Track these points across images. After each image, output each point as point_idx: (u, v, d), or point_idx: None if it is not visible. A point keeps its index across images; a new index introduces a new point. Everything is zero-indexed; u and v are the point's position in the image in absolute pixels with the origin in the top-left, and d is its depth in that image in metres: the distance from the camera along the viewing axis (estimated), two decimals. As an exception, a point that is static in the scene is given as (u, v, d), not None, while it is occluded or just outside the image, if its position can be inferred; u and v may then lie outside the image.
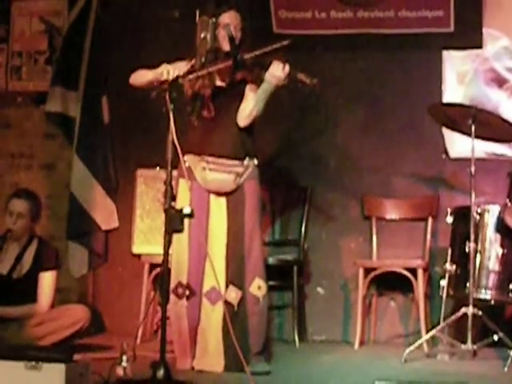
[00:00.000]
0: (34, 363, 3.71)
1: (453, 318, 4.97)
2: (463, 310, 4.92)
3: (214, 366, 4.64)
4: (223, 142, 4.71)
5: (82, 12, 6.10)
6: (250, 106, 4.69)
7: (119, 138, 6.21)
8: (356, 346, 5.56)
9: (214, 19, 4.67)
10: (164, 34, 6.21)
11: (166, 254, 4.08)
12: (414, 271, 5.45)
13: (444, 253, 5.23)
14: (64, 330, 5.05)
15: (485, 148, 5.59)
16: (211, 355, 4.67)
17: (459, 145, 5.72)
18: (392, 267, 5.53)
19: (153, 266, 5.78)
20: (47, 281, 5.19)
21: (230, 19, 4.72)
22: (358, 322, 5.60)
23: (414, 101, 5.90)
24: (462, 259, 5.02)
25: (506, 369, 4.69)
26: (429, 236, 5.76)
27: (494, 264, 5.00)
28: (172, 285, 4.69)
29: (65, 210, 6.08)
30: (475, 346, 4.90)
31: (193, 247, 4.69)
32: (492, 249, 5.02)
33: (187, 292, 4.68)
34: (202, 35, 4.64)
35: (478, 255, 5.01)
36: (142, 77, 4.70)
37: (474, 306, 4.90)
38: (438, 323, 5.08)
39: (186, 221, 4.16)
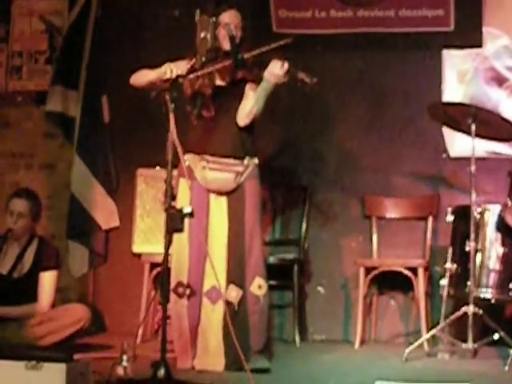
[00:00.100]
0: (34, 363, 3.70)
1: (453, 317, 4.97)
2: (464, 309, 4.91)
3: (214, 366, 4.64)
4: (223, 142, 4.70)
5: (82, 12, 6.12)
6: (249, 105, 4.69)
7: (119, 138, 6.22)
8: (356, 345, 5.55)
9: (214, 18, 4.66)
10: (164, 33, 6.20)
11: (167, 253, 4.07)
12: (414, 270, 5.45)
13: (444, 252, 5.21)
14: (64, 329, 5.05)
15: (485, 147, 5.58)
16: (212, 355, 4.67)
17: (459, 144, 5.72)
18: (392, 266, 5.53)
19: (153, 266, 5.76)
20: (47, 280, 5.19)
21: (230, 18, 4.71)
22: (359, 322, 5.59)
23: (414, 100, 5.90)
24: (463, 258, 5.02)
25: (506, 368, 4.69)
26: (429, 235, 5.76)
27: (494, 263, 5.00)
28: (172, 284, 4.68)
29: (65, 210, 6.09)
30: (476, 345, 4.89)
31: (193, 246, 4.68)
32: (492, 248, 5.02)
33: (188, 291, 4.67)
34: (202, 34, 4.63)
35: (479, 254, 5.00)
36: (143, 77, 4.69)
37: (475, 305, 4.89)
38: (439, 322, 5.07)
39: (187, 220, 4.15)
